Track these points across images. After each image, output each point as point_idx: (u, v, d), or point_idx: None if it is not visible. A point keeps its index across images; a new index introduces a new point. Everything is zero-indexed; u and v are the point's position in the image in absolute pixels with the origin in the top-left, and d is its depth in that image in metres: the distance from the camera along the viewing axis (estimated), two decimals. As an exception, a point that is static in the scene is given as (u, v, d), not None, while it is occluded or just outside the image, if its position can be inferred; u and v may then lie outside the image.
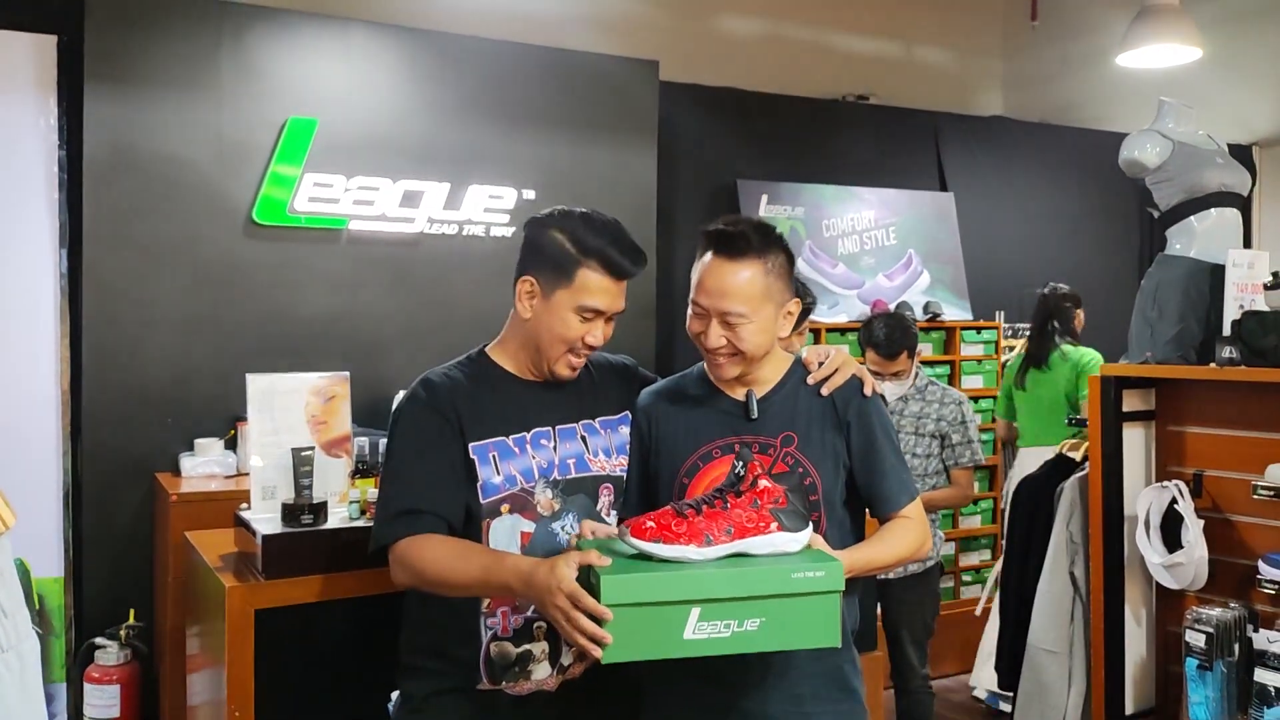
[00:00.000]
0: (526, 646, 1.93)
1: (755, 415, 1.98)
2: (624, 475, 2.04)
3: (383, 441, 2.63)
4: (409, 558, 1.85)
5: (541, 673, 1.93)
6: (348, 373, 2.52)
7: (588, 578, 1.65)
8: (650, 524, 1.70)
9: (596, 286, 1.93)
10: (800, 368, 2.05)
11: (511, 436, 1.97)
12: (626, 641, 1.61)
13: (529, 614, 1.92)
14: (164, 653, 3.44)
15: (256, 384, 2.44)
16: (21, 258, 3.68)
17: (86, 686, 3.46)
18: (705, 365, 2.03)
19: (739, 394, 2.01)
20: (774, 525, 1.74)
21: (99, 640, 3.51)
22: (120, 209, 3.74)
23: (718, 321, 1.91)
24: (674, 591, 1.64)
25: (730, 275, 1.90)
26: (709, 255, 1.93)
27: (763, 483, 1.75)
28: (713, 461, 1.97)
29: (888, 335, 3.49)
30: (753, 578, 1.67)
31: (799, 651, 1.83)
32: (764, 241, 1.93)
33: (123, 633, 3.53)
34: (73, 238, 3.73)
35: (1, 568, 1.29)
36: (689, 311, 1.98)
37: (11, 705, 1.18)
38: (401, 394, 2.05)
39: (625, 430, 2.07)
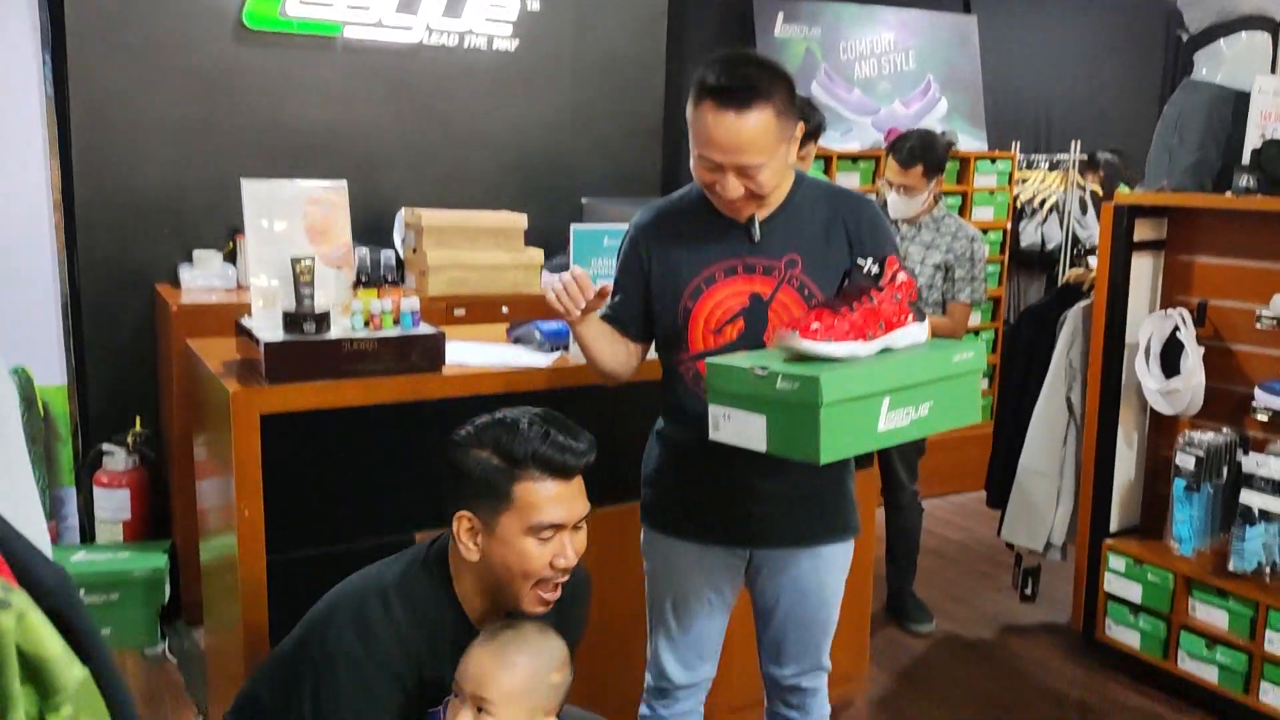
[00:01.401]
0: None
1: (758, 238, 1.95)
2: None
3: (385, 254, 2.60)
4: None
5: None
6: (344, 181, 2.46)
7: (767, 388, 1.65)
8: (816, 325, 1.70)
9: (544, 497, 1.64)
10: (804, 185, 2.01)
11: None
12: (837, 439, 1.64)
13: None
14: (172, 459, 3.51)
15: (253, 190, 2.38)
16: (3, 62, 3.55)
17: (96, 490, 3.54)
18: (720, 205, 1.96)
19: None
20: (910, 317, 1.80)
21: (106, 446, 3.57)
22: (104, 9, 3.59)
23: (734, 174, 1.84)
24: (877, 383, 1.68)
25: (742, 128, 1.80)
26: (713, 108, 1.80)
27: (900, 276, 1.78)
28: (715, 285, 1.94)
29: (909, 147, 3.41)
30: (929, 364, 1.76)
31: None
32: (769, 82, 1.82)
33: (130, 439, 3.58)
34: (55, 40, 3.59)
35: None
36: (693, 160, 1.89)
37: None
38: (338, 623, 1.65)
39: None
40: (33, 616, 0.82)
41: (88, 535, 3.64)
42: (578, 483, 1.69)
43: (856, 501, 2.14)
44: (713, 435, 1.79)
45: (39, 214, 3.63)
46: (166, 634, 3.37)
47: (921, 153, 3.39)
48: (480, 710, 1.58)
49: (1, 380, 1.19)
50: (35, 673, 0.82)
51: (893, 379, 1.71)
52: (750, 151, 1.82)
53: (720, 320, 1.94)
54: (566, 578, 1.70)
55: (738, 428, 1.74)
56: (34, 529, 1.14)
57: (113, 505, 3.54)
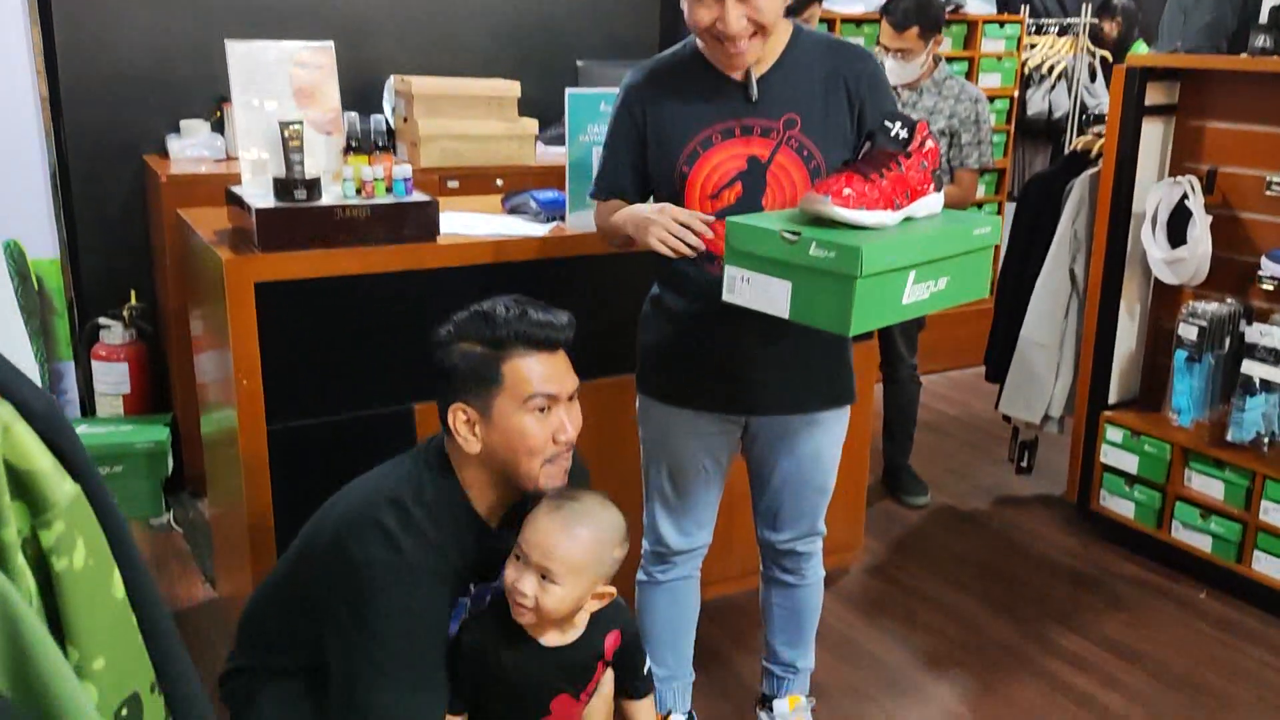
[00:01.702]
0: None
1: (755, 97, 1.88)
2: None
3: (376, 119, 2.53)
4: None
5: None
6: (331, 43, 2.38)
7: (797, 253, 1.62)
8: (849, 191, 1.66)
9: (532, 371, 1.65)
10: (801, 37, 1.93)
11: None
12: (866, 310, 1.62)
13: None
14: (169, 333, 3.49)
15: (237, 51, 2.31)
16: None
17: (94, 364, 3.53)
18: (705, 51, 1.90)
19: (736, 73, 1.89)
20: (932, 186, 1.77)
21: (102, 320, 3.55)
22: None
23: (731, 1, 1.76)
24: (907, 256, 1.66)
25: None
26: None
27: (929, 143, 1.74)
28: (713, 148, 1.89)
29: (904, 6, 3.26)
30: (950, 238, 1.74)
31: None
32: None
33: (126, 312, 3.56)
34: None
35: None
36: (688, 6, 1.81)
37: None
38: (358, 536, 1.64)
39: None
40: (19, 429, 0.79)
41: (88, 409, 3.64)
42: (563, 357, 1.70)
43: (855, 372, 2.12)
44: (726, 297, 1.75)
45: (23, 85, 3.53)
46: (171, 505, 3.41)
47: (916, 13, 3.24)
48: (544, 578, 1.63)
49: None
50: (24, 488, 0.79)
51: (921, 252, 1.68)
52: None
53: (718, 184, 1.89)
54: (571, 450, 1.71)
55: (757, 291, 1.71)
56: (22, 364, 1.12)
57: (112, 379, 3.54)
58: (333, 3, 3.87)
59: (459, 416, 1.67)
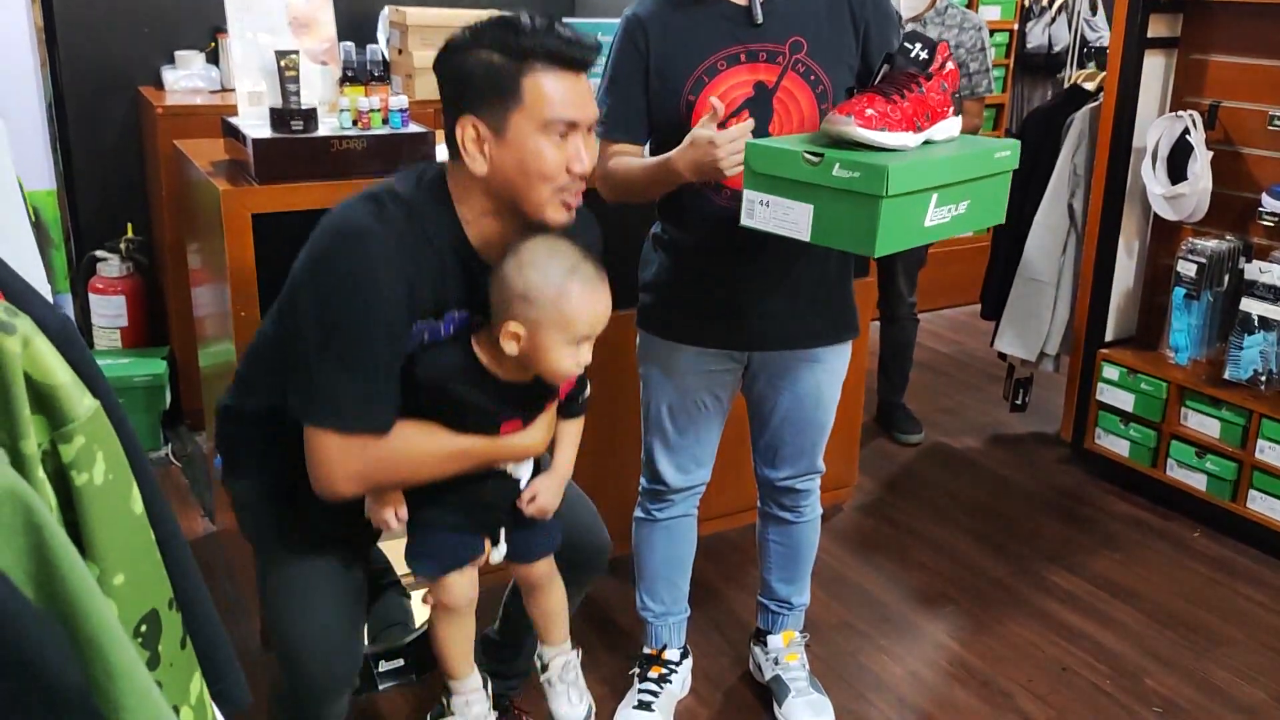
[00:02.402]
0: None
1: (760, 20, 1.85)
2: None
3: (371, 49, 2.50)
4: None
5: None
6: (329, -31, 2.34)
7: (821, 175, 1.59)
8: (872, 112, 1.64)
9: (556, 90, 1.51)
10: None
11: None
12: (891, 232, 1.61)
13: None
14: (166, 266, 3.48)
15: (232, -22, 2.28)
16: None
17: (91, 297, 3.52)
18: None
19: None
20: (951, 109, 1.75)
21: (99, 253, 3.53)
22: None
23: None
24: (931, 178, 1.65)
25: None
26: None
27: (949, 65, 1.73)
28: (719, 75, 1.86)
29: None
30: (972, 161, 1.73)
31: (815, 258, 1.91)
32: None
33: (123, 245, 3.54)
34: None
35: None
36: None
37: None
38: (315, 237, 1.56)
39: None
40: (38, 342, 0.78)
41: (86, 342, 3.64)
42: (585, 81, 1.56)
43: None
44: (744, 221, 1.73)
45: (19, 19, 3.48)
46: (169, 439, 3.42)
47: None
48: (578, 344, 1.55)
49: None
50: (44, 402, 0.79)
51: (944, 174, 1.67)
52: None
53: (726, 113, 1.87)
54: (584, 186, 1.59)
55: (777, 215, 1.68)
56: (35, 282, 1.11)
57: (109, 312, 3.53)
58: (326, -69, 3.79)
59: (468, 132, 1.53)
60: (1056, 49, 5.30)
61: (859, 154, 1.62)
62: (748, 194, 1.71)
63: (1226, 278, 3.00)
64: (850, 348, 2.13)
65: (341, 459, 1.52)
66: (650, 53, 1.91)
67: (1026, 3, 5.19)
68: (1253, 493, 2.96)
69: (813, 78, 1.86)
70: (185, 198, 2.65)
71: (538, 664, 1.89)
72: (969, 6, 4.93)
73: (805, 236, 1.67)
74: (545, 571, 1.81)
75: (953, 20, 3.32)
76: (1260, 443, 2.92)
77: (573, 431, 1.77)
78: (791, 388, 2.08)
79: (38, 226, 3.51)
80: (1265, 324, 2.86)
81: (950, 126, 1.78)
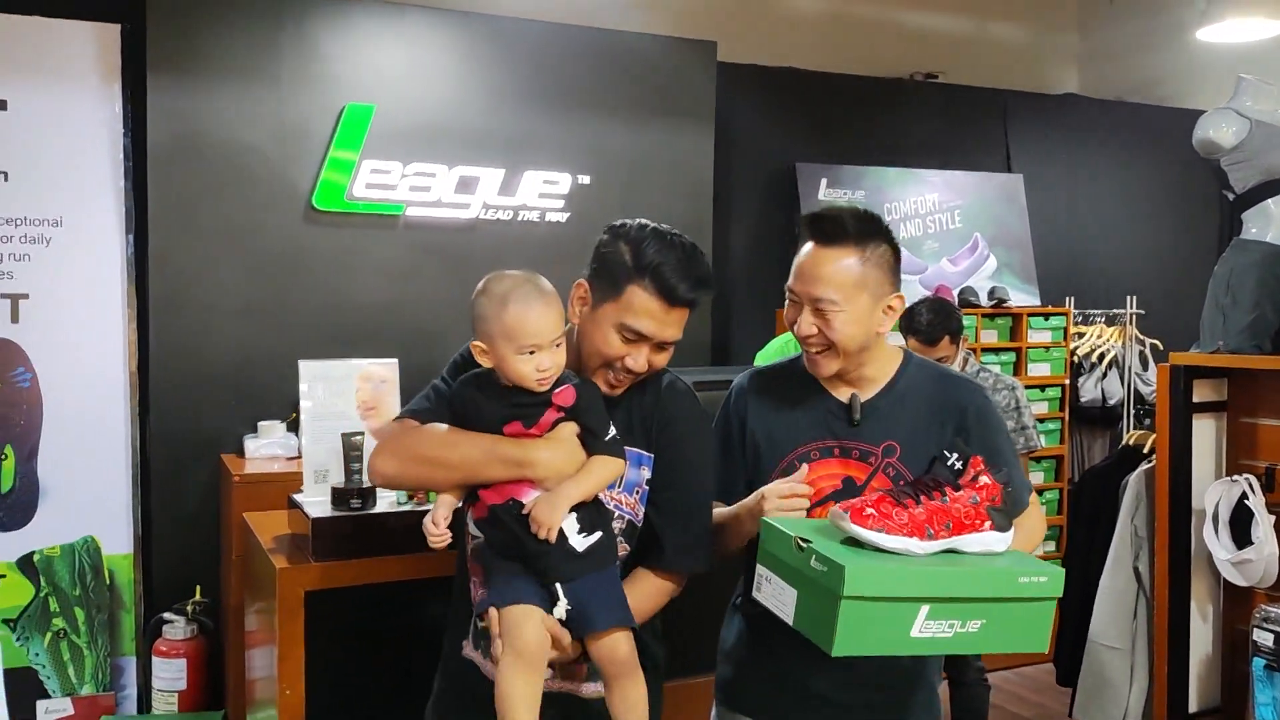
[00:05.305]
0: None
1: (859, 420, 1.89)
2: (631, 516, 1.86)
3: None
4: None
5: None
6: (396, 360, 2.55)
7: (803, 562, 1.61)
8: (871, 511, 1.64)
9: (643, 308, 1.77)
10: (911, 366, 1.95)
11: None
12: (857, 634, 1.57)
13: None
14: (229, 629, 3.53)
15: (309, 370, 2.50)
16: (90, 243, 3.78)
17: (155, 660, 3.56)
18: (805, 360, 1.93)
19: (843, 393, 1.91)
20: (987, 524, 1.69)
21: (167, 615, 3.61)
22: (184, 195, 3.82)
23: (810, 309, 1.84)
24: (914, 588, 1.58)
25: (823, 261, 1.83)
26: (806, 242, 1.87)
27: (984, 479, 1.70)
28: (810, 464, 1.87)
29: (928, 321, 3.42)
30: (983, 579, 1.63)
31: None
32: (862, 229, 1.85)
33: (189, 608, 3.62)
34: (138, 224, 3.82)
35: None
36: (786, 300, 1.91)
37: None
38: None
39: (645, 471, 1.88)
40: None
41: (145, 705, 3.64)
42: (678, 313, 1.80)
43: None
44: (754, 594, 1.74)
45: (116, 386, 3.79)
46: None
47: (941, 324, 3.42)
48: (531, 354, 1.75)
49: None
50: None
51: (936, 587, 1.60)
52: (824, 285, 1.82)
53: (812, 501, 1.86)
54: (633, 379, 1.83)
55: (775, 593, 1.69)
56: None
57: (170, 674, 3.55)
58: (404, 314, 4.14)
59: (579, 291, 1.85)
60: (1111, 402, 5.39)
61: (848, 551, 1.60)
62: (759, 568, 1.73)
63: (1309, 646, 2.85)
64: None
65: (387, 439, 1.84)
66: (747, 425, 1.97)
67: (1076, 360, 5.35)
68: None
69: (901, 482, 1.84)
70: (250, 566, 2.74)
71: None
72: (1016, 364, 5.10)
73: (790, 620, 1.65)
74: (623, 657, 1.70)
75: (984, 383, 3.43)
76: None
77: (595, 467, 1.77)
78: None
79: (111, 589, 3.63)
80: (1360, 697, 2.68)
81: (989, 540, 1.70)
